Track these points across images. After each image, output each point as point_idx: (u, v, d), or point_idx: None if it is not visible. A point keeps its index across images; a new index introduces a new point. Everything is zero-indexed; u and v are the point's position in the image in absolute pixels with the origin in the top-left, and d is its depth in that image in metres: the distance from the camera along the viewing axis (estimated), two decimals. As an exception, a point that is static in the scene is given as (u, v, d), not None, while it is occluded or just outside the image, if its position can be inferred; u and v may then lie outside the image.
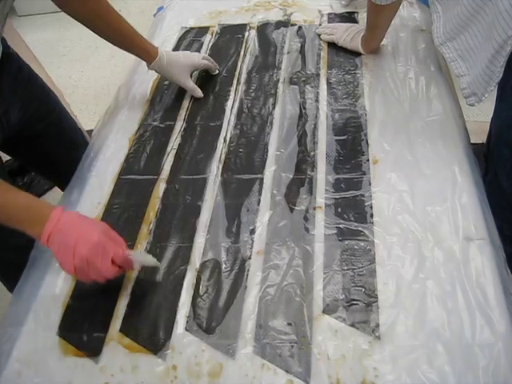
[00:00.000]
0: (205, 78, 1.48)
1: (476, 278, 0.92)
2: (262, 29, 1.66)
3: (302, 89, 1.39)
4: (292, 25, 1.65)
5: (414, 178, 1.10)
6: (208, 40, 1.66)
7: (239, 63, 1.53)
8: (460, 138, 1.18)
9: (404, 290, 0.93)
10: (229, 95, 1.43)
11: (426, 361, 0.83)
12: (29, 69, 1.38)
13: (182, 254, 1.05)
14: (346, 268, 0.97)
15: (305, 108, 1.32)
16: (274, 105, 1.36)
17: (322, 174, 1.15)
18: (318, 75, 1.43)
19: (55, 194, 2.37)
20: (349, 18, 1.64)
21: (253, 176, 1.18)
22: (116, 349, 0.93)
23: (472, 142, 1.22)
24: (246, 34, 1.65)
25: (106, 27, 1.30)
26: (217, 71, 1.53)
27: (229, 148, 1.26)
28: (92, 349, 0.93)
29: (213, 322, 0.93)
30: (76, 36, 3.62)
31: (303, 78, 1.42)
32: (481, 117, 2.39)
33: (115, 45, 1.35)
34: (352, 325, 0.90)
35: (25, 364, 0.93)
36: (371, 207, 1.06)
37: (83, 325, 0.97)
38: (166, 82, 1.51)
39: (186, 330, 0.93)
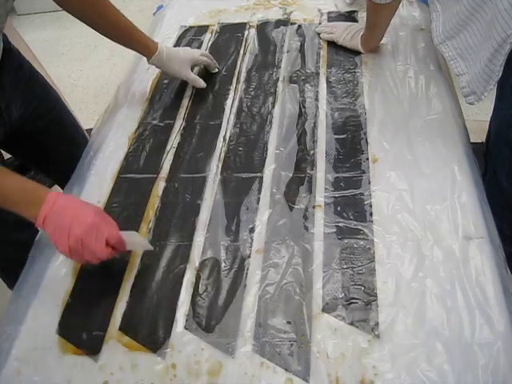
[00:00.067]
0: (204, 77, 1.48)
1: (475, 276, 0.92)
2: (262, 27, 1.66)
3: (302, 87, 1.39)
4: (292, 23, 1.65)
5: (414, 176, 1.10)
6: (208, 39, 1.66)
7: (239, 62, 1.53)
8: (459, 137, 1.18)
9: (403, 288, 0.93)
10: (228, 94, 1.43)
11: (426, 359, 0.83)
12: (30, 66, 1.38)
13: (182, 253, 1.05)
14: (345, 266, 0.97)
15: (304, 107, 1.32)
16: (273, 103, 1.36)
17: (322, 173, 1.15)
18: (317, 74, 1.43)
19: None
20: (348, 16, 1.64)
21: (252, 175, 1.18)
22: (115, 347, 0.93)
23: (471, 141, 1.22)
24: (246, 32, 1.65)
25: (104, 23, 1.30)
26: (216, 70, 1.53)
27: (228, 147, 1.26)
28: (91, 347, 0.93)
29: (212, 321, 0.93)
30: (75, 35, 3.62)
31: (303, 77, 1.42)
32: (480, 116, 2.39)
33: (114, 40, 1.35)
34: (351, 323, 0.90)
35: (24, 362, 0.93)
36: (371, 206, 1.06)
37: (82, 323, 0.97)
38: (166, 81, 1.51)
39: (186, 328, 0.93)
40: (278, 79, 1.44)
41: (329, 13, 1.67)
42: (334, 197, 1.09)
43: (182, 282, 1.00)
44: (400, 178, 1.10)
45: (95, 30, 1.31)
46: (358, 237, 1.02)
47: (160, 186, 1.19)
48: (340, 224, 1.04)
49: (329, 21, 1.63)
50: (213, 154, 1.25)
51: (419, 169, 1.11)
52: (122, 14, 1.32)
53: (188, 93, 1.45)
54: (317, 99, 1.34)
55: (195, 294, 0.98)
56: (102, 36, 1.36)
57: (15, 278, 1.08)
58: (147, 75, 1.55)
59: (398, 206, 1.05)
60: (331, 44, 1.53)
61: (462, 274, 0.93)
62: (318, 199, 1.10)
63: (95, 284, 1.03)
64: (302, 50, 1.53)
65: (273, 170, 1.17)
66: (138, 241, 1.03)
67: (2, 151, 1.39)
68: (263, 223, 1.07)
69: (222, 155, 1.24)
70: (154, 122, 1.38)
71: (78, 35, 3.59)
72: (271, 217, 1.08)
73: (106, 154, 1.30)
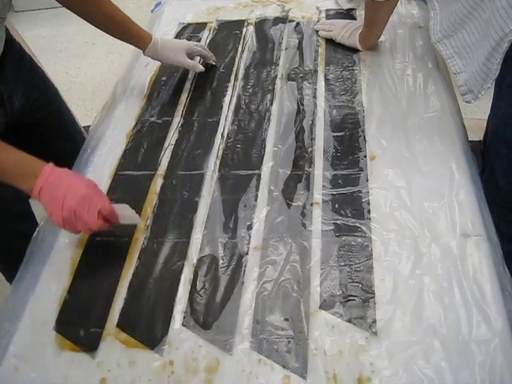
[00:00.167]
0: (203, 74, 1.48)
1: (473, 274, 0.92)
2: (260, 25, 1.65)
3: (300, 85, 1.39)
4: (290, 21, 1.65)
5: (412, 174, 1.10)
6: (206, 36, 1.65)
7: (237, 59, 1.53)
8: (457, 135, 1.18)
9: (401, 286, 0.93)
10: (226, 91, 1.42)
11: (423, 357, 0.84)
12: (30, 59, 1.39)
13: (179, 250, 1.05)
14: (343, 264, 0.97)
15: (302, 104, 1.32)
16: (271, 101, 1.36)
17: (320, 170, 1.15)
18: (315, 71, 1.43)
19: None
20: (347, 14, 1.64)
21: (250, 172, 1.18)
22: (113, 344, 0.93)
23: (469, 139, 1.22)
24: (244, 30, 1.65)
25: (99, 15, 1.31)
26: (213, 62, 1.53)
27: (226, 144, 1.26)
28: (89, 344, 0.93)
29: (210, 318, 0.93)
30: (73, 32, 3.61)
31: (301, 75, 1.42)
32: (478, 114, 2.39)
33: (108, 33, 1.36)
34: (349, 320, 0.90)
35: (21, 359, 0.93)
36: (368, 203, 1.06)
37: (80, 320, 0.97)
38: (164, 78, 1.51)
39: (183, 325, 0.93)
40: (276, 76, 1.44)
41: (327, 10, 1.67)
42: (332, 194, 1.10)
43: (179, 279, 1.00)
44: (398, 176, 1.10)
45: (88, 21, 1.32)
46: (356, 234, 1.02)
47: (158, 182, 1.19)
48: (338, 221, 1.05)
49: (327, 18, 1.63)
50: (211, 151, 1.25)
51: (417, 166, 1.12)
52: (116, 7, 1.33)
53: (186, 90, 1.45)
54: (315, 97, 1.34)
55: (193, 290, 0.98)
56: (100, 33, 1.37)
57: (15, 271, 1.09)
58: (145, 72, 1.55)
59: (395, 203, 1.06)
60: (329, 41, 1.53)
61: (459, 271, 0.93)
62: (315, 196, 1.10)
63: (93, 281, 1.03)
64: (300, 47, 1.53)
65: (271, 168, 1.17)
66: (129, 214, 1.06)
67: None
68: (261, 220, 1.07)
69: (220, 152, 1.24)
70: (152, 118, 1.38)
71: (76, 32, 3.58)
72: (269, 214, 1.08)
73: (104, 151, 1.30)
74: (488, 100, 1.21)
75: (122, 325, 0.95)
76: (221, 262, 1.01)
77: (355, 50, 1.48)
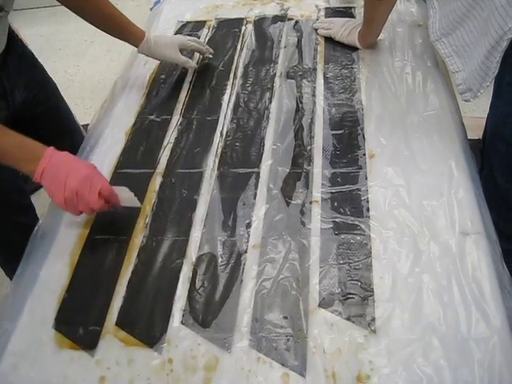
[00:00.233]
0: (202, 72, 1.48)
1: (472, 272, 0.92)
2: (259, 23, 1.65)
3: (299, 83, 1.39)
4: (289, 19, 1.65)
5: (411, 172, 1.10)
6: (205, 34, 1.65)
7: (236, 57, 1.53)
8: (456, 133, 1.18)
9: (400, 284, 0.93)
10: (225, 89, 1.42)
11: (422, 354, 0.84)
12: (32, 54, 1.42)
13: (178, 248, 1.05)
14: (342, 262, 0.97)
15: (301, 102, 1.32)
16: (270, 99, 1.36)
17: (319, 168, 1.15)
18: (314, 70, 1.43)
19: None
20: (346, 12, 1.64)
21: (249, 170, 1.18)
22: (112, 342, 0.93)
23: (468, 137, 1.22)
24: (243, 28, 1.65)
25: (92, 11, 1.32)
26: (210, 55, 1.54)
27: (225, 142, 1.26)
28: (88, 342, 0.93)
29: (209, 316, 0.93)
30: (72, 30, 3.60)
31: (300, 73, 1.42)
32: (477, 112, 2.39)
33: (102, 29, 1.37)
34: (348, 318, 0.90)
35: (20, 357, 0.93)
36: (367, 201, 1.06)
37: (79, 318, 0.97)
38: (163, 76, 1.51)
39: (182, 323, 0.93)
40: (275, 75, 1.44)
41: (326, 8, 1.67)
42: (331, 192, 1.10)
43: (178, 277, 1.00)
44: (397, 174, 1.10)
45: (82, 17, 1.34)
46: (355, 232, 1.02)
47: (157, 181, 1.19)
48: (337, 219, 1.05)
49: (326, 16, 1.63)
50: (210, 149, 1.25)
51: (416, 164, 1.12)
52: (111, 4, 1.34)
53: (185, 88, 1.45)
54: (314, 95, 1.34)
55: (192, 289, 0.98)
56: (99, 31, 1.38)
57: (15, 264, 1.10)
58: (144, 70, 1.55)
59: (394, 201, 1.06)
60: (328, 40, 1.53)
61: (458, 269, 0.93)
62: (314, 195, 1.10)
63: (92, 279, 1.02)
64: (299, 45, 1.53)
65: (270, 166, 1.17)
66: (128, 196, 1.08)
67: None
68: (260, 218, 1.07)
69: (219, 150, 1.24)
70: (151, 117, 1.37)
71: (75, 30, 3.58)
72: (268, 212, 1.08)
73: (103, 150, 1.30)
74: (487, 98, 1.21)
75: (121, 323, 0.95)
76: (220, 260, 1.01)
77: (354, 48, 1.47)
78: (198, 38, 1.62)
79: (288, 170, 1.16)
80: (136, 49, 1.43)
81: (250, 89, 1.41)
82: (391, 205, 1.05)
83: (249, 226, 1.06)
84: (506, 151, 1.18)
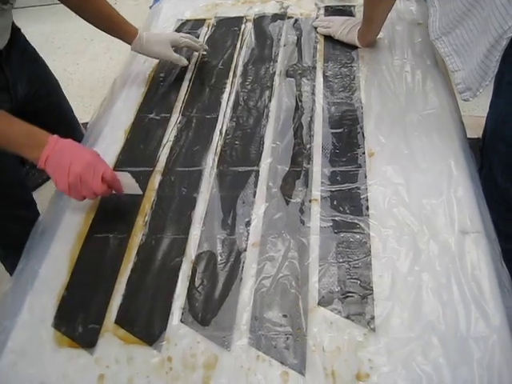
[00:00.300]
0: (201, 71, 1.48)
1: (471, 271, 0.92)
2: (259, 21, 1.65)
3: (299, 81, 1.39)
4: (288, 18, 1.65)
5: (410, 171, 1.10)
6: (204, 32, 1.65)
7: (235, 56, 1.53)
8: (456, 132, 1.18)
9: (399, 282, 0.93)
10: (225, 88, 1.42)
11: (421, 353, 0.84)
12: (34, 49, 1.44)
13: (178, 246, 1.05)
14: (341, 260, 0.97)
15: (301, 101, 1.32)
16: (270, 97, 1.36)
17: (318, 167, 1.15)
18: (314, 68, 1.43)
19: (49, 188, 2.36)
20: (345, 11, 1.63)
21: (248, 168, 1.17)
22: (111, 340, 0.93)
23: (468, 136, 1.22)
24: (243, 26, 1.65)
25: (86, 7, 1.34)
26: (203, 51, 1.55)
27: (225, 140, 1.26)
28: (87, 340, 0.93)
29: (208, 314, 0.93)
30: (71, 28, 3.60)
31: (299, 71, 1.42)
32: (477, 111, 2.39)
33: (96, 26, 1.39)
34: (347, 317, 0.90)
35: (20, 355, 0.93)
36: (367, 200, 1.06)
37: (78, 316, 0.97)
38: (162, 75, 1.51)
39: (182, 321, 0.93)
40: (274, 73, 1.44)
41: (326, 7, 1.67)
42: (331, 191, 1.09)
43: (177, 276, 1.00)
44: (396, 172, 1.10)
45: (77, 13, 1.36)
46: (354, 231, 1.02)
47: (156, 179, 1.19)
48: (336, 218, 1.05)
49: (326, 15, 1.63)
50: (209, 147, 1.25)
51: (415, 163, 1.11)
52: (106, 1, 1.36)
53: (184, 86, 1.45)
54: (313, 93, 1.34)
55: (191, 287, 0.98)
56: (98, 30, 1.39)
57: (15, 258, 1.10)
58: (143, 68, 1.55)
59: (394, 200, 1.06)
60: (328, 38, 1.53)
61: (457, 268, 0.93)
62: (314, 193, 1.10)
63: (91, 277, 1.02)
64: (298, 44, 1.53)
65: (269, 164, 1.17)
66: (129, 182, 1.11)
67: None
68: (259, 217, 1.07)
69: (219, 149, 1.24)
70: (151, 115, 1.37)
71: (74, 29, 3.57)
72: (267, 210, 1.08)
73: (102, 148, 1.30)
74: (487, 97, 1.20)
75: (120, 321, 0.95)
76: (219, 258, 1.01)
77: (354, 47, 1.47)
78: (198, 36, 1.63)
79: (287, 169, 1.15)
80: None
81: (249, 87, 1.40)
82: (391, 203, 1.05)
83: (248, 224, 1.06)
84: (505, 151, 1.18)
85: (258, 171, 1.16)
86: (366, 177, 1.11)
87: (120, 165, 1.24)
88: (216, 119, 1.32)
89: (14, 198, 1.47)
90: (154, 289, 0.99)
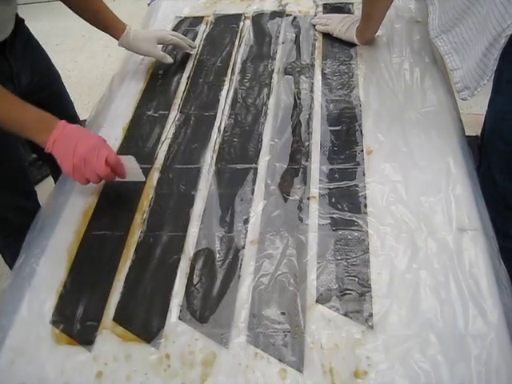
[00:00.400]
0: (199, 68, 1.48)
1: (469, 268, 0.92)
2: (257, 19, 1.65)
3: (297, 79, 1.39)
4: (287, 15, 1.65)
5: (408, 168, 1.10)
6: (203, 30, 1.65)
7: (234, 53, 1.53)
8: (454, 130, 1.18)
9: (397, 280, 0.93)
10: (223, 85, 1.42)
11: (419, 350, 0.84)
12: (36, 41, 1.50)
13: (176, 243, 1.05)
14: (339, 258, 0.98)
15: (299, 98, 1.32)
16: (268, 95, 1.36)
17: (316, 164, 1.15)
18: (312, 66, 1.43)
19: (47, 185, 2.36)
20: (344, 8, 1.63)
21: (247, 166, 1.17)
22: (109, 337, 0.93)
23: (466, 134, 1.22)
24: (241, 24, 1.65)
25: (80, 3, 1.37)
26: (192, 51, 1.55)
27: (223, 138, 1.26)
28: (85, 337, 0.93)
29: (206, 311, 0.93)
30: (69, 26, 3.59)
31: (298, 69, 1.42)
32: (475, 109, 2.39)
33: (84, 19, 1.41)
34: (345, 314, 0.90)
35: (18, 352, 0.93)
36: (365, 197, 1.06)
37: (76, 313, 0.97)
38: (161, 72, 1.51)
39: (180, 318, 0.93)
40: (273, 70, 1.44)
41: (324, 4, 1.66)
42: (329, 188, 1.10)
43: (176, 273, 1.00)
44: (394, 170, 1.10)
45: (67, 6, 1.38)
46: (353, 228, 1.02)
47: (154, 176, 1.19)
48: (334, 215, 1.05)
49: (324, 12, 1.63)
50: (207, 145, 1.25)
51: (414, 161, 1.12)
52: None
53: (183, 84, 1.45)
54: (312, 91, 1.34)
55: (189, 284, 0.98)
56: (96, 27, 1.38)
57: (15, 249, 1.12)
58: (142, 66, 1.55)
59: (392, 197, 1.06)
60: (326, 36, 1.53)
61: (455, 265, 0.93)
62: (312, 190, 1.10)
63: (89, 274, 1.02)
64: (297, 41, 1.53)
65: (267, 162, 1.17)
66: (133, 166, 1.12)
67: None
68: (258, 214, 1.07)
69: (217, 146, 1.24)
70: (149, 112, 1.37)
71: (72, 26, 3.56)
72: (266, 208, 1.08)
73: (101, 145, 1.30)
74: (485, 95, 1.21)
75: (118, 318, 0.95)
76: (217, 255, 1.01)
77: (352, 45, 1.47)
78: (196, 33, 1.63)
79: (286, 166, 1.15)
80: None
81: (247, 84, 1.40)
82: (389, 201, 1.05)
83: (246, 221, 1.06)
84: (504, 149, 1.18)
85: (257, 169, 1.16)
86: (364, 174, 1.11)
87: (118, 162, 1.24)
88: (214, 117, 1.32)
89: (16, 186, 1.49)
90: (152, 286, 0.99)
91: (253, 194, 1.11)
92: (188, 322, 0.93)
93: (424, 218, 1.01)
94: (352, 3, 1.64)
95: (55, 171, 1.66)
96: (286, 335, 0.88)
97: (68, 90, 1.68)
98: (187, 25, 1.68)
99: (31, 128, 1.07)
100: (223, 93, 1.40)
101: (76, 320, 0.96)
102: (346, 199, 1.07)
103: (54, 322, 0.96)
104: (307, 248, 1.00)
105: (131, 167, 1.12)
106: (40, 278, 1.04)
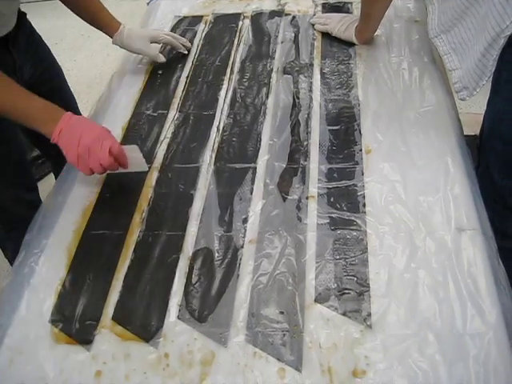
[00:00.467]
0: (198, 67, 1.48)
1: (467, 268, 0.93)
2: (256, 18, 1.65)
3: (296, 78, 1.39)
4: (286, 14, 1.65)
5: (407, 168, 1.10)
6: (201, 29, 1.65)
7: (233, 52, 1.53)
8: (453, 129, 1.18)
9: (396, 279, 0.93)
10: (222, 84, 1.42)
11: (417, 350, 0.84)
12: (39, 35, 1.49)
13: (175, 243, 1.05)
14: (338, 257, 0.98)
15: (298, 98, 1.32)
16: (267, 94, 1.36)
17: (315, 164, 1.15)
18: (311, 65, 1.43)
19: (49, 183, 2.36)
20: (343, 8, 1.63)
21: (246, 165, 1.18)
22: (108, 337, 0.93)
23: (465, 133, 1.22)
24: (240, 23, 1.65)
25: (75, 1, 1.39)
26: (185, 51, 1.56)
27: (222, 137, 1.26)
28: (84, 337, 0.93)
29: (205, 311, 0.93)
30: (68, 24, 3.59)
31: (297, 68, 1.42)
32: (474, 108, 2.40)
33: (80, 16, 1.43)
34: (344, 314, 0.90)
35: (16, 352, 0.93)
36: (364, 197, 1.06)
37: (75, 313, 0.97)
38: (160, 71, 1.51)
39: (179, 318, 0.93)
40: (271, 70, 1.44)
41: (323, 4, 1.66)
42: (328, 188, 1.10)
43: (174, 272, 1.00)
44: (393, 170, 1.11)
45: (67, 6, 1.40)
46: (351, 228, 1.02)
47: (153, 176, 1.19)
48: (333, 215, 1.05)
49: (323, 12, 1.63)
50: (206, 144, 1.25)
51: (412, 160, 1.12)
52: None
53: (182, 83, 1.45)
54: (311, 90, 1.34)
55: (188, 283, 0.98)
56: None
57: (16, 243, 1.12)
58: (141, 65, 1.55)
59: (390, 197, 1.06)
60: (325, 35, 1.53)
61: (454, 265, 0.93)
62: (311, 190, 1.10)
63: (88, 274, 1.02)
64: (296, 40, 1.53)
65: (266, 161, 1.17)
66: (137, 156, 1.14)
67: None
68: (256, 214, 1.07)
69: (216, 145, 1.24)
70: (148, 112, 1.37)
71: (71, 25, 3.57)
72: (264, 207, 1.08)
73: (100, 144, 1.30)
74: (484, 95, 1.21)
75: (117, 318, 0.95)
76: (216, 255, 1.01)
77: (351, 44, 1.47)
78: (195, 33, 1.63)
79: (284, 166, 1.16)
80: None
81: (246, 84, 1.40)
82: (387, 200, 1.05)
83: (245, 221, 1.06)
84: (502, 149, 1.18)
85: (255, 168, 1.16)
86: (362, 174, 1.11)
87: (117, 161, 1.24)
88: (213, 116, 1.32)
89: (18, 178, 1.50)
90: (151, 285, 0.99)
91: (252, 193, 1.11)
92: (187, 321, 0.93)
93: (422, 218, 1.01)
94: (351, 2, 1.64)
95: (57, 168, 1.67)
96: (284, 334, 0.88)
97: (68, 89, 1.69)
98: (186, 24, 1.68)
99: (37, 118, 1.08)
100: (222, 92, 1.40)
101: (75, 319, 0.96)
102: (345, 199, 1.07)
103: (53, 321, 0.96)
104: (306, 247, 1.00)
105: (134, 156, 1.13)
106: (39, 277, 1.04)
